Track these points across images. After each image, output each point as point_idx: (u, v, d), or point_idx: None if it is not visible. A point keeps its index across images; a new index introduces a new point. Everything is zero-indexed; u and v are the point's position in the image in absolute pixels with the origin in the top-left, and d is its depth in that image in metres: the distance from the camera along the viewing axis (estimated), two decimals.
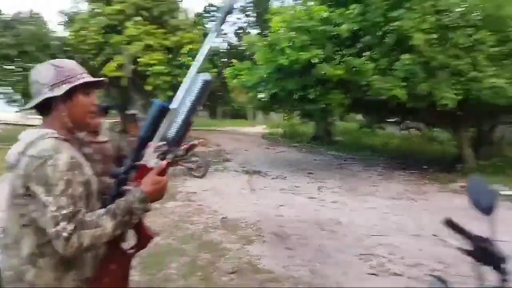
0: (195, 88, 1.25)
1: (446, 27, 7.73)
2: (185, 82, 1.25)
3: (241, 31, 26.63)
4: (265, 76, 8.90)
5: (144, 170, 1.27)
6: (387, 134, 23.34)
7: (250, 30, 20.34)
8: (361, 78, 7.78)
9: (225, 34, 25.05)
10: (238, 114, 50.47)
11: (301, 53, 7.72)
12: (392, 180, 9.93)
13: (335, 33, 8.05)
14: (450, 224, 1.50)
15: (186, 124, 1.27)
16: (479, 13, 8.15)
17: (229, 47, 26.56)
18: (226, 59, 11.08)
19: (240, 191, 7.99)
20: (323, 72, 7.90)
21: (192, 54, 14.80)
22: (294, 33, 7.89)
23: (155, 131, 1.28)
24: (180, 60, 14.58)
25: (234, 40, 28.15)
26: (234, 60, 10.18)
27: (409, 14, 7.32)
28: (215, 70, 13.34)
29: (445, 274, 4.01)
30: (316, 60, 7.69)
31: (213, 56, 20.23)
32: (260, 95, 9.16)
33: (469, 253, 1.41)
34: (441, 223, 1.58)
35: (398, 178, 10.30)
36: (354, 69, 7.86)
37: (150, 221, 5.64)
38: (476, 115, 10.06)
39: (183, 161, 9.23)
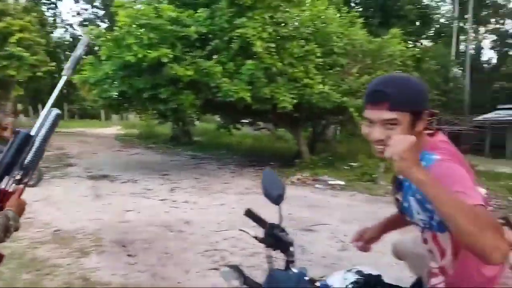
0: (48, 121, 1.39)
1: (283, 37, 8.60)
2: (42, 114, 1.40)
3: (87, 23, 24.33)
4: (110, 72, 8.30)
5: (7, 194, 1.37)
6: (242, 134, 24.71)
7: (99, 23, 18.73)
8: (211, 80, 7.99)
9: (69, 25, 22.46)
10: (89, 114, 46.13)
11: (149, 51, 7.47)
12: (243, 177, 10.54)
13: (185, 34, 8.05)
14: (249, 214, 1.57)
15: (41, 151, 1.40)
16: (309, 27, 9.31)
17: (71, 39, 23.96)
18: (69, 52, 9.85)
19: (81, 199, 7.27)
20: (173, 72, 7.81)
21: (25, 45, 12.83)
22: (141, 29, 7.57)
23: (18, 157, 1.37)
24: (8, 50, 12.39)
25: (79, 32, 25.56)
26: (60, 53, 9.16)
27: (251, 23, 7.87)
28: (53, 64, 11.76)
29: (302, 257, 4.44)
30: (166, 60, 7.55)
31: (55, 49, 17.91)
32: (106, 93, 8.50)
33: (261, 240, 1.50)
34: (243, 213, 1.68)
35: (248, 175, 10.98)
36: (204, 70, 8.01)
37: None
38: (309, 117, 11.47)
39: None
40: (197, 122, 33.82)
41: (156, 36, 7.78)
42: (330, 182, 9.43)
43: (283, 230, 1.44)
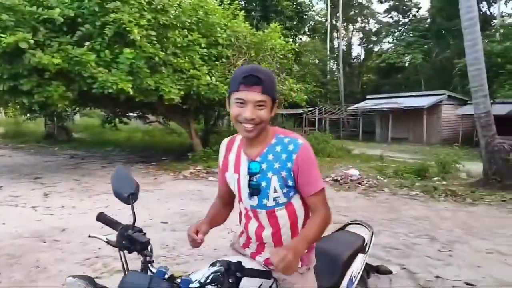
0: None
1: (164, 25, 8.22)
2: None
3: None
4: None
5: None
6: (131, 129, 23.31)
7: None
8: (83, 69, 7.21)
9: None
10: None
11: (3, 35, 6.36)
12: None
13: (48, 17, 7.07)
14: (101, 217, 1.48)
15: None
16: (192, 16, 9.10)
17: None
18: None
19: None
20: (37, 60, 6.82)
21: None
22: None
23: None
24: None
25: None
26: None
27: (126, 7, 7.32)
28: None
29: (168, 258, 4.26)
30: (25, 45, 6.53)
31: None
32: None
33: (114, 244, 1.41)
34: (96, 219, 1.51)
35: (137, 171, 10.37)
36: (75, 59, 7.18)
37: None
38: (199, 109, 11.34)
39: None
40: (77, 117, 30.81)
41: (11, 18, 6.65)
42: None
43: (140, 230, 1.39)
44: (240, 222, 1.71)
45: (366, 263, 2.12)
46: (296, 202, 1.56)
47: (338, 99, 33.07)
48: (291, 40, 13.94)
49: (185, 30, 8.75)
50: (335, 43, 37.96)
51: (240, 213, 1.70)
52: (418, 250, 4.44)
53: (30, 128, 22.65)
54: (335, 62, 37.63)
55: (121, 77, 7.45)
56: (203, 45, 9.25)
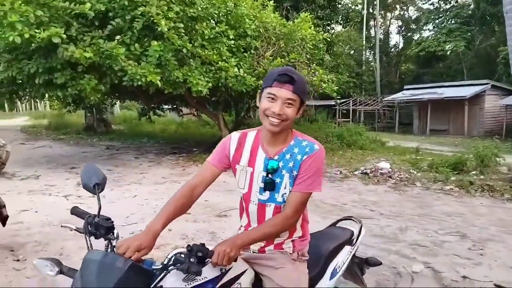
0: None
1: (192, 18, 8.25)
2: None
3: None
4: None
5: None
6: (167, 121, 23.91)
7: None
8: (114, 62, 7.39)
9: None
10: None
11: (38, 30, 6.63)
12: (161, 165, 10.14)
13: (80, 12, 7.29)
14: (74, 211, 1.63)
15: None
16: (220, 8, 9.08)
17: None
18: None
19: None
20: (69, 54, 7.07)
21: None
22: (26, 6, 6.66)
23: None
24: None
25: None
26: None
27: (154, 1, 7.40)
28: None
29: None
30: (57, 40, 6.77)
31: None
32: None
33: (82, 231, 1.53)
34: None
35: (167, 163, 10.60)
36: (106, 52, 7.38)
37: None
38: (227, 101, 11.35)
39: None
40: (117, 110, 31.96)
41: (46, 14, 6.92)
42: None
43: (108, 219, 1.51)
44: (241, 216, 1.80)
45: (356, 256, 2.22)
46: None
47: (374, 90, 32.08)
48: (322, 30, 13.56)
49: (213, 22, 8.75)
50: (372, 32, 36.74)
51: (242, 207, 1.76)
52: (446, 248, 4.21)
53: (72, 120, 23.78)
54: (372, 52, 36.46)
55: (150, 70, 7.58)
56: (231, 37, 9.22)
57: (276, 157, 1.61)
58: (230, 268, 1.53)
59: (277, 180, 1.61)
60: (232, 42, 9.16)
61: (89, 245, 1.45)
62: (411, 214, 5.62)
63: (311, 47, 11.33)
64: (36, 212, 5.75)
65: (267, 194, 1.64)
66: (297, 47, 10.82)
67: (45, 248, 4.26)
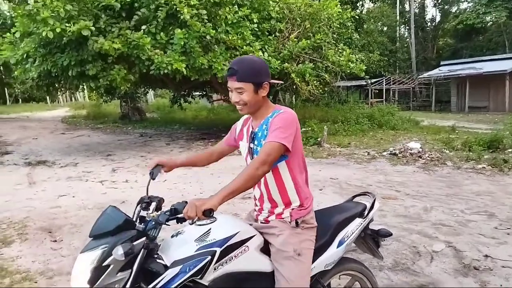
0: None
1: (214, 3, 8.29)
2: None
3: None
4: (30, 51, 7.69)
5: None
6: (198, 107, 24.33)
7: None
8: (141, 52, 7.62)
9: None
10: (35, 97, 43.34)
11: (68, 24, 6.94)
12: (190, 151, 10.42)
13: (107, 4, 7.54)
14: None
15: None
16: None
17: None
18: None
19: (13, 187, 6.87)
20: (99, 46, 7.36)
21: None
22: (56, 1, 6.97)
23: None
24: None
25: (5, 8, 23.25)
26: None
27: None
28: None
29: None
30: (86, 33, 7.06)
31: None
32: (28, 74, 7.92)
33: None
34: None
35: (196, 148, 10.88)
36: (133, 43, 7.61)
37: None
38: None
39: None
40: (151, 98, 32.85)
41: (75, 8, 7.21)
42: None
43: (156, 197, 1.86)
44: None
45: (369, 228, 2.31)
46: (282, 167, 1.82)
47: (409, 67, 30.81)
48: (350, 8, 13.15)
49: (236, 6, 8.74)
50: (406, 6, 35.07)
51: None
52: (471, 228, 4.12)
53: (109, 110, 24.74)
54: (407, 27, 34.88)
55: (175, 58, 7.75)
56: (255, 20, 9.18)
57: (256, 129, 1.86)
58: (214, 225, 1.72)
59: (258, 148, 1.83)
60: (256, 25, 9.13)
61: (135, 211, 1.77)
62: (438, 194, 5.50)
63: (338, 26, 11.08)
64: (73, 197, 6.14)
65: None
66: (323, 27, 10.61)
67: (79, 229, 4.57)
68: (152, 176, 1.98)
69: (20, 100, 45.48)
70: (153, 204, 1.79)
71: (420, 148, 8.54)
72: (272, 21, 9.91)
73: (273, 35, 10.05)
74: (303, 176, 1.91)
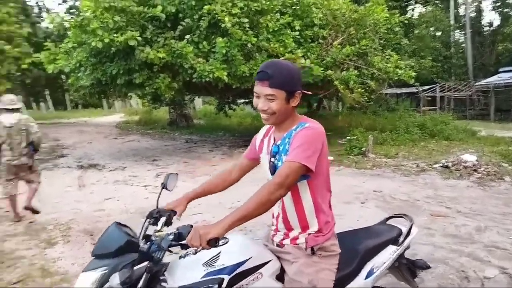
0: None
1: (257, 12, 8.31)
2: None
3: (73, 10, 23.70)
4: (83, 60, 8.18)
5: None
6: (244, 114, 24.58)
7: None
8: (184, 61, 7.81)
9: (55, 13, 22.02)
10: (92, 103, 46.16)
11: (116, 35, 7.29)
12: (232, 158, 10.47)
13: (154, 15, 7.83)
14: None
15: None
16: (284, 0, 9.00)
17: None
18: (59, 41, 9.67)
19: (64, 189, 7.28)
20: (145, 56, 7.65)
21: (5, 37, 12.70)
22: (105, 13, 7.36)
23: None
24: None
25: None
26: (48, 43, 9.04)
27: None
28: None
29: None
30: (133, 43, 7.37)
31: (45, 39, 17.74)
32: (80, 82, 8.42)
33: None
34: None
35: (237, 155, 10.91)
36: (177, 52, 7.82)
37: None
38: None
39: None
40: (199, 105, 33.73)
41: (123, 19, 7.57)
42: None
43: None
44: None
45: (405, 257, 2.07)
46: (303, 187, 1.64)
47: (465, 74, 28.97)
48: (399, 12, 12.63)
49: (277, 14, 8.71)
50: (461, 11, 33.15)
51: None
52: None
53: (159, 116, 25.70)
54: (463, 32, 32.93)
55: (217, 66, 7.85)
56: (297, 28, 9.09)
57: (278, 142, 1.71)
58: (218, 252, 1.59)
59: (279, 163, 1.67)
60: (298, 33, 9.04)
61: (143, 227, 1.72)
62: (493, 213, 5.02)
63: (385, 31, 10.67)
64: (118, 200, 6.37)
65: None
66: (368, 33, 10.27)
67: None
68: (166, 187, 1.90)
69: (79, 106, 48.68)
70: (162, 220, 1.71)
71: (476, 160, 7.91)
72: (315, 28, 9.75)
73: (316, 42, 9.88)
74: (327, 199, 1.73)
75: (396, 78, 10.37)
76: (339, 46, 9.82)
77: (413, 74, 10.40)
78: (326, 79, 9.55)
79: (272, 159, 1.71)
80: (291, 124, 1.67)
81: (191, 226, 1.49)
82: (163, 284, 1.55)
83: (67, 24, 8.70)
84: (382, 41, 10.92)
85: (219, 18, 7.56)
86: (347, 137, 10.83)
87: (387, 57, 10.54)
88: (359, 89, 9.94)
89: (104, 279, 1.43)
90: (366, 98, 10.66)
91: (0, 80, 14.27)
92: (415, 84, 11.67)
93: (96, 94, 9.99)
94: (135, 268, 1.47)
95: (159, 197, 1.84)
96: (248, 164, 1.97)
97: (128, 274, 1.41)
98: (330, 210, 1.77)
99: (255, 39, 8.21)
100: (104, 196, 6.65)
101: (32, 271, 3.71)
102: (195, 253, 1.47)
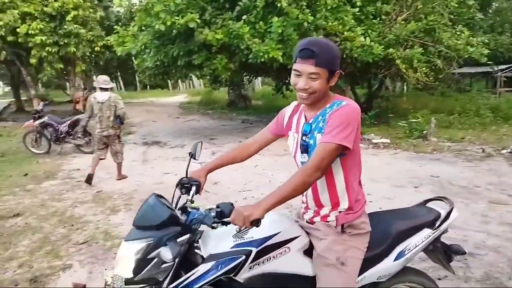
0: None
1: None
2: None
3: None
4: (147, 42, 8.64)
5: None
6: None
7: None
8: (241, 41, 7.91)
9: None
10: (159, 84, 48.61)
11: (176, 17, 7.58)
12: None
13: None
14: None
15: None
16: None
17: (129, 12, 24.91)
18: (128, 24, 10.38)
19: (130, 163, 7.88)
20: (203, 37, 7.87)
21: (80, 22, 13.77)
22: None
23: None
24: (66, 28, 13.41)
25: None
26: (117, 27, 9.66)
27: None
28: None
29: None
30: (193, 25, 7.61)
31: (117, 23, 18.94)
32: (144, 63, 8.93)
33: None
34: None
35: None
36: (233, 33, 7.94)
37: (16, 203, 5.36)
38: (353, 72, 10.80)
39: (70, 137, 8.83)
40: (259, 85, 33.95)
41: (184, 1, 7.82)
42: (374, 141, 9.03)
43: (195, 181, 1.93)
44: None
45: (441, 241, 1.99)
46: (336, 166, 1.63)
47: None
48: None
49: None
50: None
51: None
52: None
53: (219, 97, 26.38)
54: None
55: (272, 46, 7.85)
56: (358, 4, 8.71)
57: (310, 121, 1.68)
58: (249, 228, 1.60)
59: (311, 141, 1.66)
60: (358, 9, 8.65)
61: (174, 194, 1.83)
62: None
63: (456, 5, 9.80)
64: (175, 175, 6.76)
65: (305, 157, 1.70)
66: (437, 7, 9.51)
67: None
68: (194, 156, 1.96)
69: (147, 86, 51.53)
70: (193, 189, 1.81)
71: None
72: (377, 3, 9.26)
73: (378, 19, 9.39)
74: (357, 176, 1.73)
75: (466, 56, 9.55)
76: (403, 22, 9.25)
77: (486, 51, 9.49)
78: (387, 58, 9.09)
79: (304, 138, 1.70)
80: (324, 103, 1.65)
81: (232, 204, 1.54)
82: (197, 251, 1.65)
83: (134, 8, 9.21)
84: (452, 16, 10.07)
85: None
86: (408, 120, 10.30)
87: (457, 33, 9.72)
88: (424, 68, 9.34)
89: (150, 250, 1.50)
90: (432, 78, 9.99)
91: (76, 62, 15.59)
92: (489, 63, 10.64)
93: (160, 75, 10.53)
94: (178, 240, 1.55)
95: (188, 167, 1.93)
96: (271, 138, 1.98)
97: (178, 249, 1.50)
98: (361, 188, 1.77)
99: (312, 17, 8.03)
100: (164, 171, 7.12)
101: (96, 234, 4.15)
102: (240, 231, 1.55)
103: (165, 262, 1.51)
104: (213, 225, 1.53)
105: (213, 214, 1.55)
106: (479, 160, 7.03)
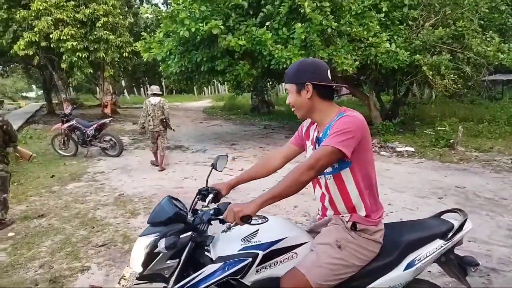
0: None
1: None
2: None
3: (170, 1, 25.38)
4: (172, 49, 8.80)
5: None
6: None
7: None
8: (263, 48, 7.93)
9: (154, 4, 23.88)
10: (184, 89, 49.40)
11: (201, 24, 7.68)
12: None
13: (237, 3, 8.07)
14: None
15: None
16: None
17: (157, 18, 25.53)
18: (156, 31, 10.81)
19: (151, 167, 8.03)
20: (226, 43, 7.94)
21: (110, 28, 14.19)
22: (193, 3, 7.79)
23: None
24: (96, 34, 13.86)
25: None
26: (144, 33, 9.90)
27: None
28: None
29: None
30: (216, 31, 7.69)
31: (146, 29, 19.43)
32: (169, 69, 9.09)
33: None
34: None
35: None
36: (256, 39, 7.97)
37: (41, 204, 5.52)
38: (377, 79, 10.60)
39: (96, 140, 9.07)
40: (282, 91, 33.90)
41: (208, 9, 7.92)
42: (398, 149, 8.80)
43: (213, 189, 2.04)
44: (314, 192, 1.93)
45: (453, 252, 1.96)
46: (346, 175, 1.68)
47: None
48: None
49: None
50: None
51: (314, 184, 1.89)
52: None
53: (243, 102, 26.53)
54: None
55: (294, 52, 7.82)
56: (384, 9, 8.57)
57: (321, 134, 1.75)
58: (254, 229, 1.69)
59: None
60: (384, 15, 8.51)
61: (194, 200, 1.96)
62: None
63: (487, 10, 9.48)
64: (195, 180, 6.84)
65: None
66: (466, 12, 9.22)
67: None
68: (216, 167, 2.07)
69: (173, 91, 52.46)
70: (210, 196, 1.91)
71: None
72: (404, 8, 9.07)
73: (405, 24, 9.20)
74: (371, 186, 1.74)
75: (497, 63, 9.19)
76: (430, 28, 9.01)
77: None
78: (414, 64, 8.88)
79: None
80: (330, 115, 1.72)
81: (229, 203, 1.63)
82: (207, 253, 1.72)
83: (160, 15, 9.40)
84: (483, 22, 9.73)
85: (299, 3, 7.47)
86: (436, 128, 10.00)
87: (488, 39, 9.37)
88: (452, 75, 9.05)
89: (156, 245, 1.61)
90: (460, 86, 9.67)
91: (105, 67, 16.06)
92: None
93: (184, 80, 10.69)
94: (181, 236, 1.63)
95: (208, 176, 2.03)
96: (294, 150, 2.03)
97: (172, 241, 1.57)
98: (378, 199, 1.78)
99: (336, 23, 7.95)
100: (184, 175, 7.19)
101: (115, 237, 4.23)
102: (229, 227, 1.58)
103: (170, 258, 1.61)
104: (210, 222, 1.68)
105: (211, 212, 1.70)
106: (507, 171, 6.72)
